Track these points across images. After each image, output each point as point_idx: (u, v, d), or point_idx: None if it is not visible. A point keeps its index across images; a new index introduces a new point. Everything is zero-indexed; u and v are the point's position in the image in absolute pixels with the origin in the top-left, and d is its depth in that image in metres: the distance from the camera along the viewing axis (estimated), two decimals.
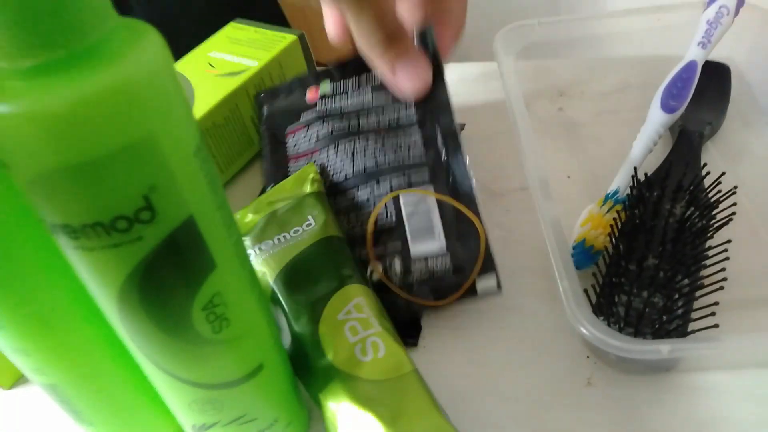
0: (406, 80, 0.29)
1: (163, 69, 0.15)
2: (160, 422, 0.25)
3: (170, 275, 0.17)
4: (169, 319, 0.18)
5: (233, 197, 0.38)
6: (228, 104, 0.38)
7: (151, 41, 0.15)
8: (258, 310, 0.21)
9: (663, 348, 0.23)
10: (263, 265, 0.28)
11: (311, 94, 0.36)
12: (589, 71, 0.46)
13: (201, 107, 0.37)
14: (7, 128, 0.13)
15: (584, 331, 0.24)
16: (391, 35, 0.26)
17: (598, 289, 0.28)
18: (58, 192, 0.14)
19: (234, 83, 0.38)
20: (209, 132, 0.37)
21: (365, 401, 0.23)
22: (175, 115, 0.15)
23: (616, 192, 0.31)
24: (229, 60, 0.40)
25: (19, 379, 0.31)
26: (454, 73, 0.43)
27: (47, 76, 0.13)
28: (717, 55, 0.41)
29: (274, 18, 0.66)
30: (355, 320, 0.25)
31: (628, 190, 0.31)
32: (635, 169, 0.31)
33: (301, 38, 0.42)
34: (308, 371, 0.25)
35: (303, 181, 0.32)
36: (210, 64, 0.40)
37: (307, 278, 0.27)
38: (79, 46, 0.13)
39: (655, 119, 0.33)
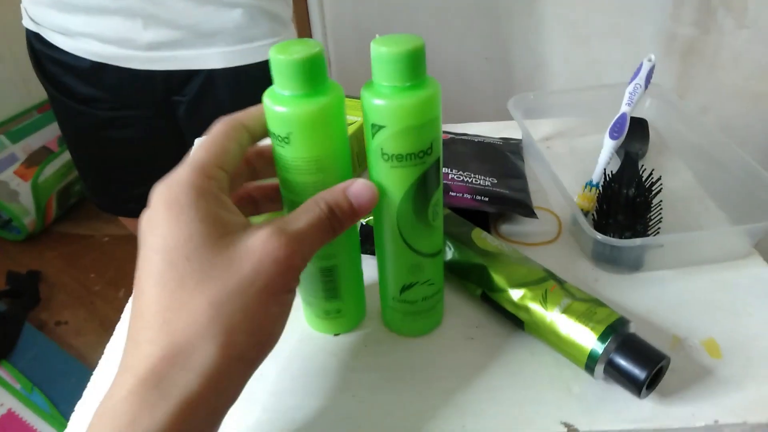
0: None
1: (438, 90, 0.36)
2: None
3: (427, 185, 0.37)
4: (419, 210, 0.38)
5: None
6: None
7: (433, 81, 0.36)
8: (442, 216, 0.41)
9: (636, 240, 0.45)
10: None
11: None
12: (564, 125, 0.71)
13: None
14: (391, 110, 0.34)
15: (598, 237, 0.45)
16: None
17: None
18: (404, 138, 0.35)
19: (352, 128, 0.60)
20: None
21: (510, 263, 0.44)
22: (439, 109, 0.36)
23: (590, 182, 0.54)
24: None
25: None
26: (485, 127, 0.66)
27: (408, 90, 0.34)
28: (641, 114, 0.67)
29: None
30: (488, 236, 0.47)
31: (601, 181, 0.54)
32: (605, 169, 0.55)
33: None
34: (470, 264, 0.45)
35: None
36: None
37: (453, 223, 0.49)
38: (419, 80, 0.34)
39: (607, 143, 0.57)
